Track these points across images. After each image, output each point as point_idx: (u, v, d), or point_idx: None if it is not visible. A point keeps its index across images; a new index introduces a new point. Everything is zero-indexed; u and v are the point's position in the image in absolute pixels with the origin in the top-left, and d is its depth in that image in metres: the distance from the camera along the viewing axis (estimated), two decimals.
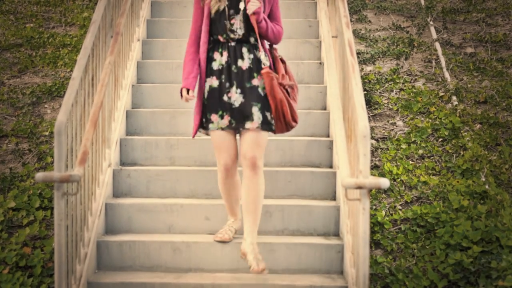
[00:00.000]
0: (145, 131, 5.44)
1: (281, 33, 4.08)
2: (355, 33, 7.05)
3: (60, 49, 6.92)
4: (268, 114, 3.97)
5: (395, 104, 6.00)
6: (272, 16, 4.10)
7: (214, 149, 4.08)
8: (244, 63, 3.99)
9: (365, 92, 6.09)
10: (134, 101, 5.71)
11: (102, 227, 4.56)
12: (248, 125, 3.95)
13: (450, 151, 5.43)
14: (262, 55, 4.00)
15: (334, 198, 4.88)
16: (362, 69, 6.50)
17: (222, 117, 3.99)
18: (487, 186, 4.98)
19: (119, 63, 5.23)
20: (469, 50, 6.87)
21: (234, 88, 3.97)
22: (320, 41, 6.27)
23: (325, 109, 5.66)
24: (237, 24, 4.00)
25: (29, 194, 4.91)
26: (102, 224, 4.54)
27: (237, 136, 4.16)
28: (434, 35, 7.04)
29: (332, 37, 5.52)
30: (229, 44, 4.01)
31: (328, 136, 5.41)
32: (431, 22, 7.28)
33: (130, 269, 4.36)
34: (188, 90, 4.02)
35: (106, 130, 4.77)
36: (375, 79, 6.33)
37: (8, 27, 7.39)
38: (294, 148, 5.12)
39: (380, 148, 5.47)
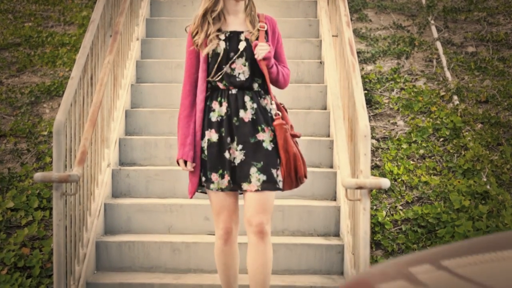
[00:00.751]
0: (144, 131, 5.41)
1: (289, 76, 3.54)
2: (356, 32, 7.02)
3: (59, 48, 6.90)
4: (274, 171, 3.38)
5: (396, 104, 5.97)
6: (277, 57, 3.53)
7: (213, 212, 3.50)
8: (247, 114, 3.40)
9: (366, 91, 6.06)
10: (133, 101, 5.68)
11: (101, 228, 4.53)
12: (245, 186, 3.37)
13: (451, 151, 5.40)
14: (274, 104, 3.47)
15: (334, 198, 4.85)
16: (362, 69, 6.47)
17: (222, 176, 3.39)
18: (488, 186, 4.95)
19: (118, 62, 5.20)
20: (470, 49, 6.84)
21: (235, 144, 3.39)
22: (320, 40, 6.24)
23: (325, 108, 5.63)
24: (239, 69, 3.42)
25: (27, 194, 4.89)
26: (101, 224, 4.52)
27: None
28: (435, 34, 7.01)
29: (333, 36, 5.49)
30: (230, 91, 3.42)
31: (328, 135, 5.39)
32: (432, 21, 7.25)
33: (129, 270, 4.33)
34: (185, 161, 3.43)
35: (105, 130, 4.75)
36: (376, 78, 6.30)
37: (7, 26, 7.36)
38: None
39: (381, 148, 5.44)
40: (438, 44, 6.83)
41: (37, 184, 4.97)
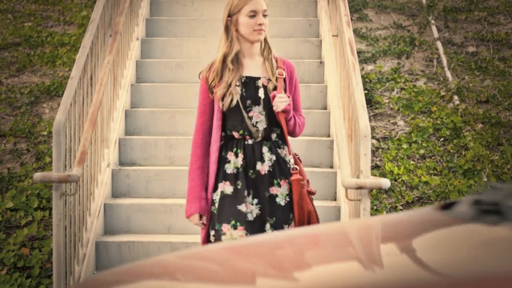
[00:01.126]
0: (144, 131, 5.40)
1: (304, 126, 3.32)
2: (356, 32, 7.01)
3: (59, 48, 6.89)
4: (286, 227, 3.20)
5: (396, 104, 5.96)
6: (293, 105, 3.25)
7: None
8: (264, 167, 3.16)
9: (366, 91, 6.05)
10: (133, 101, 5.67)
11: (101, 228, 4.52)
12: None
13: (451, 151, 5.39)
14: (291, 157, 3.26)
15: (334, 198, 4.84)
16: (362, 68, 6.46)
17: (235, 227, 3.12)
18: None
19: (118, 62, 5.19)
20: (471, 49, 6.83)
21: (250, 198, 3.16)
22: (321, 40, 6.23)
23: (325, 108, 5.62)
24: (257, 117, 3.17)
25: (27, 194, 4.88)
26: (100, 224, 4.51)
27: None
28: (436, 34, 7.01)
29: (333, 36, 5.48)
30: (246, 142, 3.17)
31: (328, 135, 5.38)
32: (433, 21, 7.25)
33: None
34: (200, 216, 3.19)
35: (105, 130, 4.74)
36: (376, 78, 6.29)
37: (6, 26, 7.35)
38: (294, 148, 5.08)
39: (381, 148, 5.43)
40: (439, 44, 6.82)
41: (36, 184, 4.96)
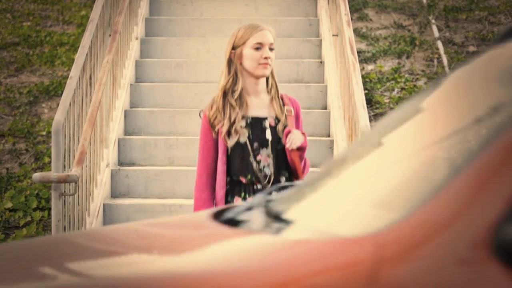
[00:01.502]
0: (143, 131, 5.38)
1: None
2: (356, 31, 6.99)
3: (58, 47, 6.87)
4: None
5: (397, 104, 5.94)
6: None
7: None
8: None
9: (366, 91, 6.04)
10: (132, 101, 5.66)
11: None
12: None
13: None
14: None
15: None
16: (363, 68, 6.45)
17: None
18: None
19: (117, 62, 5.18)
20: (472, 49, 6.82)
21: None
22: (321, 40, 6.22)
23: (325, 108, 5.60)
24: (265, 161, 2.97)
25: (26, 194, 4.86)
26: (100, 225, 4.49)
27: None
28: (436, 34, 6.99)
29: (333, 35, 5.47)
30: (255, 187, 2.97)
31: (328, 135, 5.36)
32: (433, 21, 7.23)
33: None
34: None
35: (104, 130, 4.72)
36: (376, 78, 6.28)
37: (5, 26, 7.33)
38: None
39: None
40: (439, 44, 6.80)
41: (35, 184, 4.94)
